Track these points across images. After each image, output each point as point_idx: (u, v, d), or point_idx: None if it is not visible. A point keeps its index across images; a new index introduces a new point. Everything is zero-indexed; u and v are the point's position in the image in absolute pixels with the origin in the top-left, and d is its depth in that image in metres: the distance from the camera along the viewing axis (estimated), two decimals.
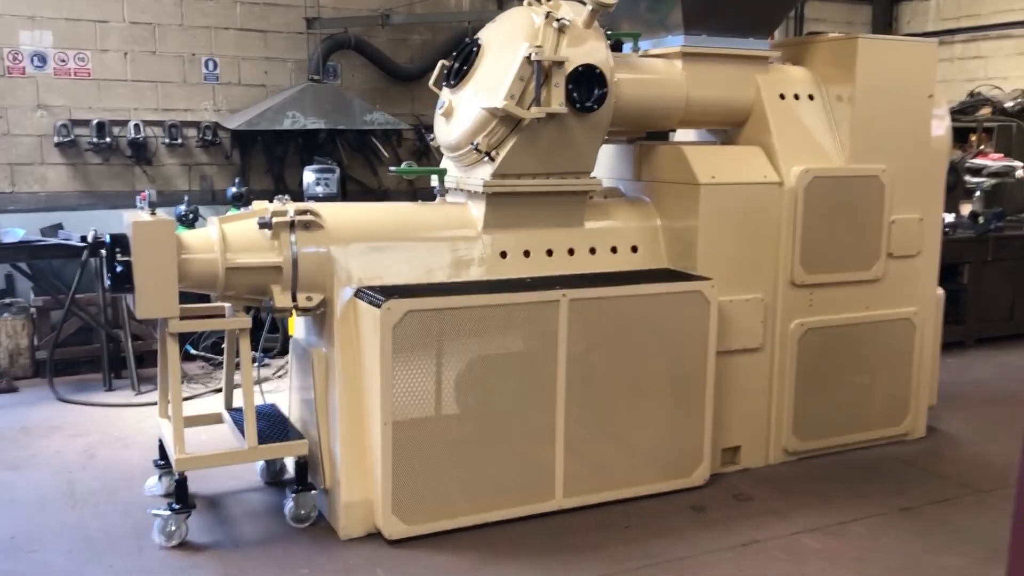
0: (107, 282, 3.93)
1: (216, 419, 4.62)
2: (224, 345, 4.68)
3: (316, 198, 7.39)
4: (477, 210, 4.51)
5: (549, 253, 4.61)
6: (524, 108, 4.22)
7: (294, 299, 4.13)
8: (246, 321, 4.06)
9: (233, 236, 4.06)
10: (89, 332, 7.10)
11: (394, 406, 3.89)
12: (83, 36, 7.90)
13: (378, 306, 3.84)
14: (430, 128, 9.42)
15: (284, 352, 7.21)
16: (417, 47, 9.40)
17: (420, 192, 9.44)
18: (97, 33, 7.96)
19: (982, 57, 11.39)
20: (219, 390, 6.58)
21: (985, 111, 10.31)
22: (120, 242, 3.85)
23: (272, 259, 4.07)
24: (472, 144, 4.34)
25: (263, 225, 4.04)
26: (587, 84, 4.34)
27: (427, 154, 9.48)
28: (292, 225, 4.09)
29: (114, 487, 4.69)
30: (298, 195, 8.77)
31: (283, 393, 6.26)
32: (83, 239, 6.53)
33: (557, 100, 4.24)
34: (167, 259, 3.84)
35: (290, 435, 4.22)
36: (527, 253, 4.56)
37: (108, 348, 6.84)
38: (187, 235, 4.04)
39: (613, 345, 4.38)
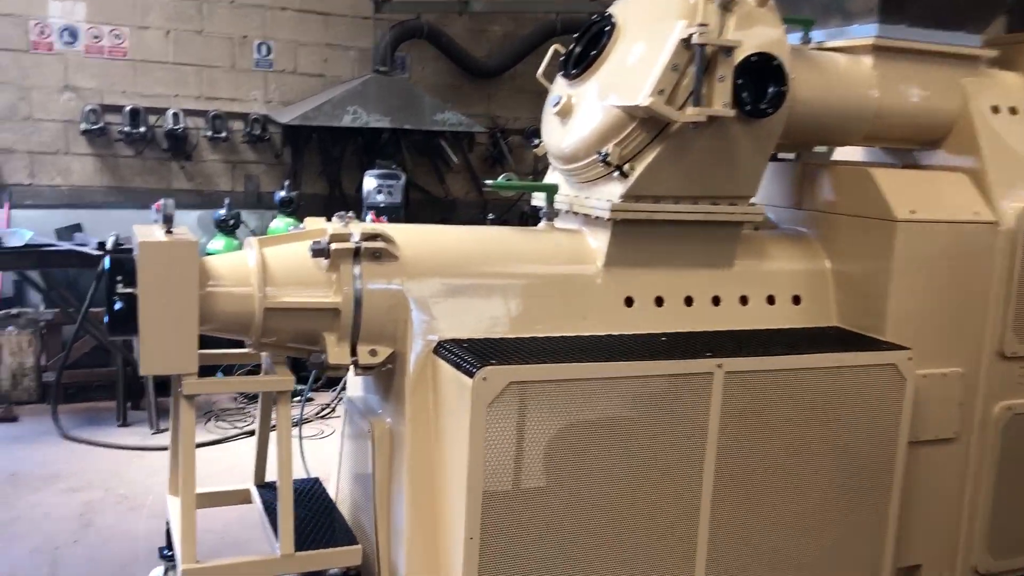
0: (105, 320, 2.94)
1: (243, 497, 3.61)
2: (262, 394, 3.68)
3: (377, 208, 6.42)
4: (597, 241, 3.46)
5: (688, 302, 3.54)
6: (676, 108, 3.15)
7: (353, 352, 3.11)
8: (288, 381, 3.05)
9: (277, 265, 3.06)
10: (104, 353, 6.20)
11: (485, 512, 2.84)
12: (120, 10, 7.03)
13: (470, 373, 2.80)
14: (507, 132, 8.43)
15: (332, 384, 6.23)
16: (497, 39, 8.41)
17: (491, 204, 8.44)
18: (137, 7, 7.08)
19: None
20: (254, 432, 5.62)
21: None
22: (121, 268, 2.86)
23: (327, 298, 3.06)
24: (599, 154, 3.29)
25: (318, 252, 3.03)
26: (759, 80, 3.27)
27: (501, 162, 8.47)
28: (357, 254, 3.07)
29: None
30: (355, 202, 7.83)
31: (326, 441, 5.29)
32: (100, 245, 5.62)
33: (721, 99, 3.18)
34: (186, 296, 2.85)
35: (337, 535, 3.19)
36: (659, 301, 3.49)
37: (124, 373, 5.93)
38: (215, 262, 3.04)
39: (777, 433, 3.29)
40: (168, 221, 2.86)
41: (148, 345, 2.84)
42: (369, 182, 6.63)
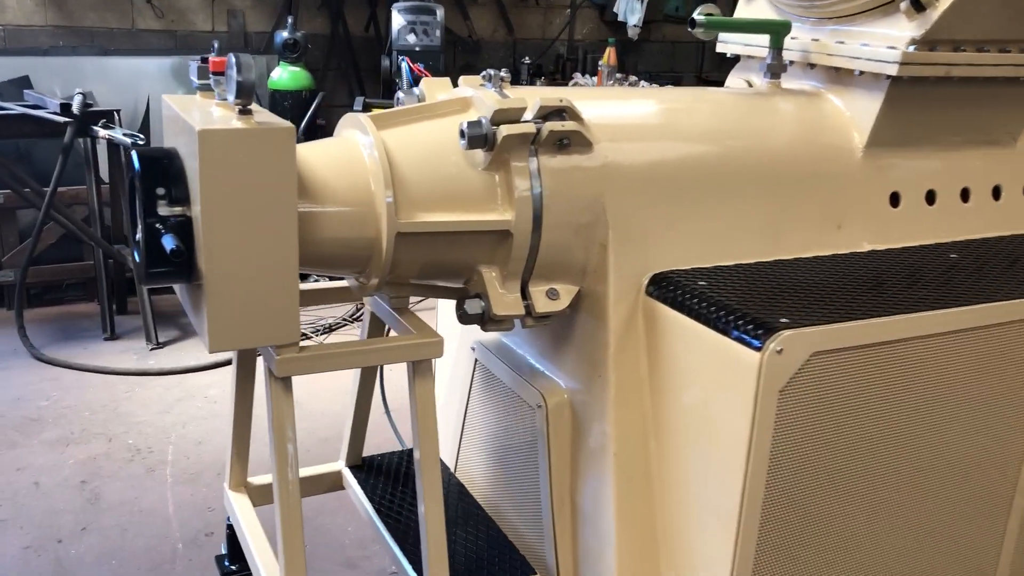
0: (137, 260, 1.82)
1: (332, 483, 2.62)
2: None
3: (410, 52, 5.15)
4: (853, 108, 2.39)
5: (964, 196, 2.52)
6: None
7: (524, 295, 2.05)
8: (436, 345, 1.98)
9: (408, 163, 1.93)
10: (75, 244, 5.03)
11: (761, 549, 1.88)
12: None
13: (754, 343, 1.76)
14: None
15: None
16: None
17: (520, 45, 7.19)
18: None
19: None
20: (331, 329, 4.60)
21: None
22: (163, 174, 1.74)
23: (493, 215, 1.96)
24: None
25: (475, 141, 1.91)
26: None
27: None
28: (534, 140, 1.96)
29: None
30: (365, 45, 6.54)
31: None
32: (64, 108, 4.35)
33: None
34: (279, 219, 1.73)
35: (494, 555, 2.22)
36: (931, 196, 2.47)
37: (106, 267, 4.79)
38: (308, 159, 1.89)
39: None
40: (246, 93, 1.69)
41: (221, 302, 1.74)
42: (397, 19, 5.33)
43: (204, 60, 2.01)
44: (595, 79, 6.44)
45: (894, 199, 2.42)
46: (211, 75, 1.84)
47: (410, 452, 2.69)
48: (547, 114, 1.98)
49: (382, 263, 1.92)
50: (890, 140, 2.37)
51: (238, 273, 1.74)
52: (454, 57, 6.94)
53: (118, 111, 4.57)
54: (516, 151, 1.95)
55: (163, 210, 1.74)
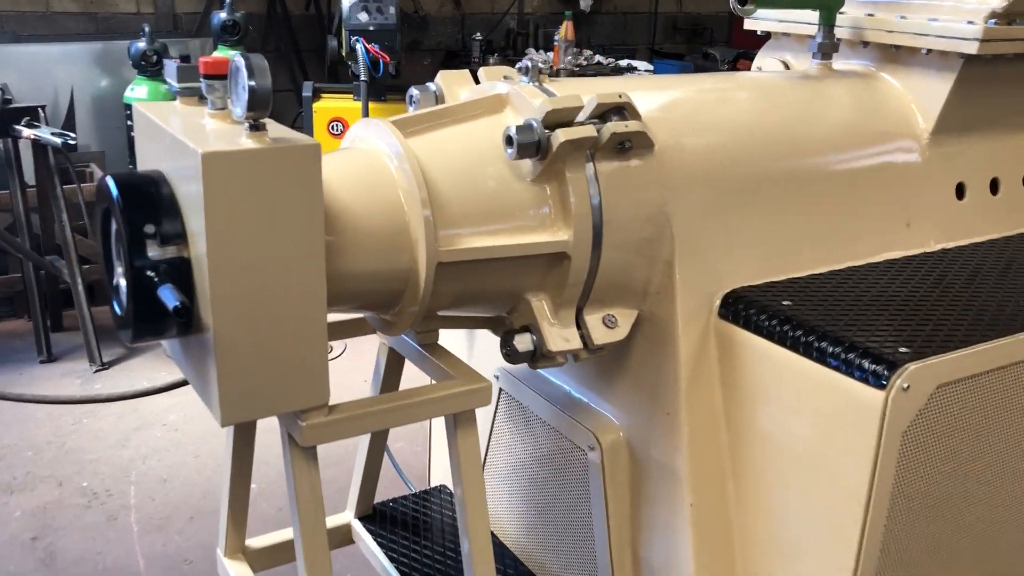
0: (119, 313, 1.48)
1: (341, 537, 2.29)
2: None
3: (364, 32, 4.75)
4: (916, 91, 2.16)
5: None
6: None
7: (579, 323, 1.75)
8: (484, 392, 1.67)
9: (444, 177, 1.61)
10: (1, 254, 4.55)
11: None
12: None
13: (876, 381, 1.51)
14: None
15: None
16: None
17: (469, 20, 6.83)
18: None
19: None
20: None
21: None
22: (149, 206, 1.40)
23: (545, 236, 1.65)
24: None
25: (526, 149, 1.60)
26: None
27: None
28: (592, 146, 1.65)
29: None
30: (306, 24, 6.12)
31: (340, 366, 3.91)
32: None
33: None
34: (307, 260, 1.40)
35: None
36: (994, 185, 2.26)
37: (38, 281, 4.33)
38: (325, 174, 1.54)
39: None
40: (261, 104, 1.35)
41: (233, 364, 1.40)
42: None
43: (184, 59, 1.67)
44: (550, 55, 6.14)
45: (959, 190, 2.20)
46: (202, 78, 1.48)
47: (424, 496, 2.39)
48: (603, 112, 1.68)
49: (419, 298, 1.60)
50: (957, 125, 2.15)
51: (254, 326, 1.40)
52: (400, 34, 6.56)
53: (43, 107, 4.10)
54: (572, 158, 1.64)
55: (153, 251, 1.39)
